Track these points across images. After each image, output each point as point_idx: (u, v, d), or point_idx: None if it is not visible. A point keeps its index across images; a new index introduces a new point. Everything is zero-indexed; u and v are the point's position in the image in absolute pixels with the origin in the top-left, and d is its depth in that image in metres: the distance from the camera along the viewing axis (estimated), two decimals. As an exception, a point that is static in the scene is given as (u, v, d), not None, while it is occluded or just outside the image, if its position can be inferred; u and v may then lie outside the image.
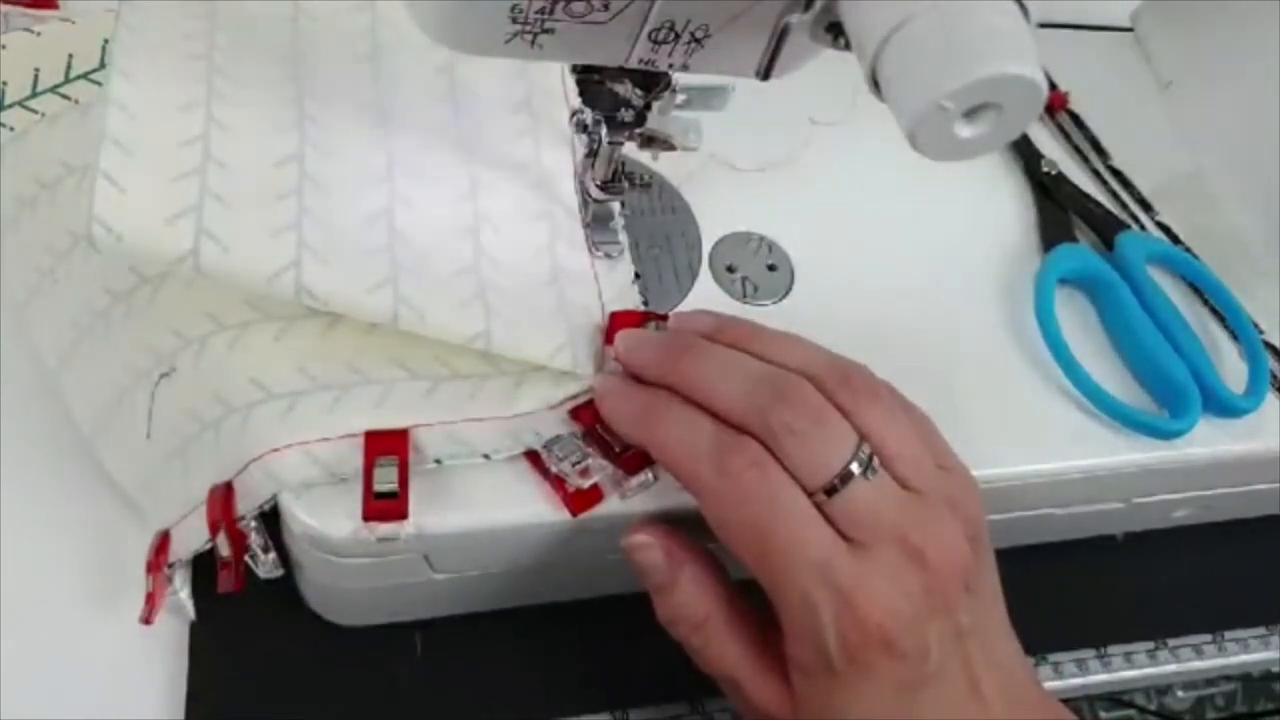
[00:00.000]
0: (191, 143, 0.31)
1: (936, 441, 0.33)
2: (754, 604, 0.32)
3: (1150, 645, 0.43)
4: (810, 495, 0.30)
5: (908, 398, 0.33)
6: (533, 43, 0.28)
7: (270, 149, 0.33)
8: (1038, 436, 0.39)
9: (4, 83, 0.38)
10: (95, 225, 0.28)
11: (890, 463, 0.30)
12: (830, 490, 0.29)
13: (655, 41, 0.28)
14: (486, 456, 0.33)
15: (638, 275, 0.38)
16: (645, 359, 0.33)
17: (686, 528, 0.33)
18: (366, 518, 0.31)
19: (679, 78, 0.34)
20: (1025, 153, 0.48)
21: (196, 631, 0.36)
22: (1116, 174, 0.49)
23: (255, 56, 0.35)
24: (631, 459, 0.33)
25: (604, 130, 0.34)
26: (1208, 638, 0.44)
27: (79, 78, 0.39)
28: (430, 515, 0.32)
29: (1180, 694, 0.48)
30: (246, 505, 0.32)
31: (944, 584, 0.30)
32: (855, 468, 0.29)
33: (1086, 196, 0.47)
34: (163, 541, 0.34)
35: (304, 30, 0.37)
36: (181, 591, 0.35)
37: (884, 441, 0.30)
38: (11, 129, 0.38)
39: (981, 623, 0.31)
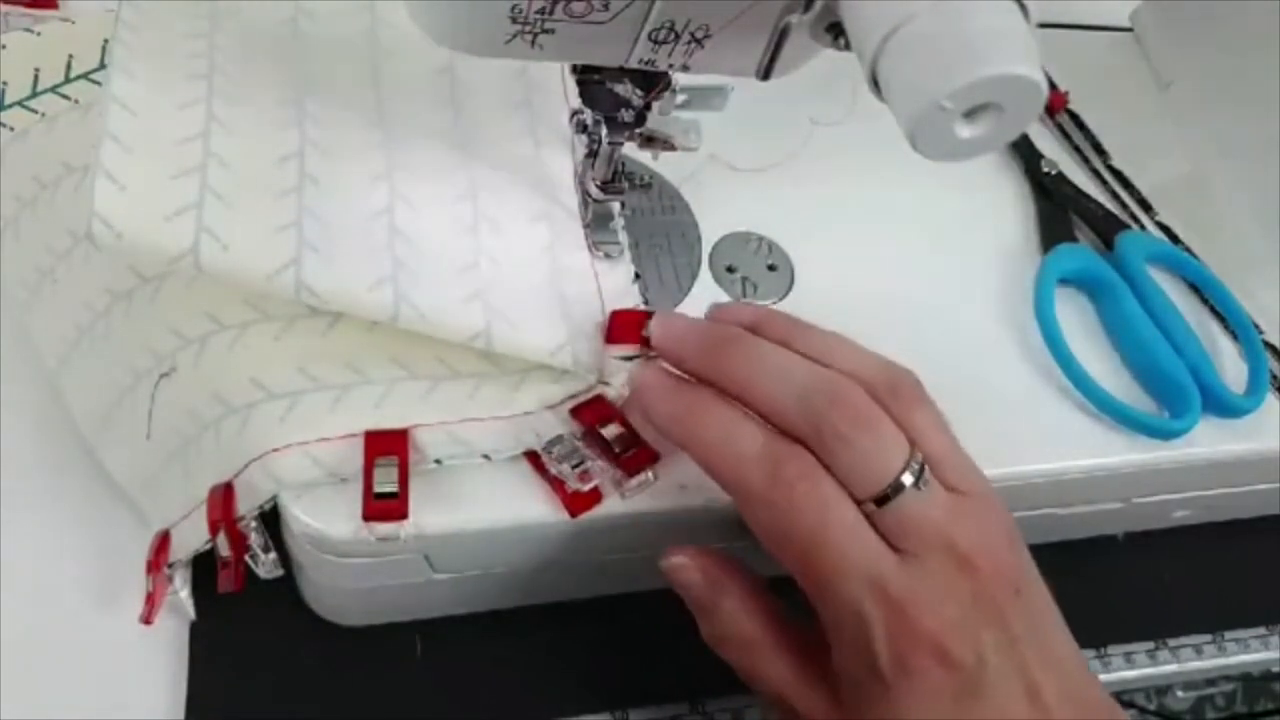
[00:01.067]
0: (192, 140, 0.31)
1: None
2: (792, 605, 0.32)
3: (1150, 645, 0.43)
4: (859, 504, 0.29)
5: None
6: (533, 43, 0.28)
7: (271, 147, 0.33)
8: (1038, 436, 0.39)
9: (4, 83, 0.38)
10: (95, 222, 0.28)
11: (936, 466, 0.30)
12: (880, 500, 0.29)
13: (655, 41, 0.28)
14: (487, 457, 0.33)
15: (638, 275, 0.38)
16: (685, 350, 0.32)
17: (707, 526, 0.33)
18: (366, 518, 0.31)
19: (679, 78, 0.34)
20: (1025, 153, 0.48)
21: (196, 631, 0.36)
22: (1116, 174, 0.49)
23: (256, 55, 0.35)
24: (631, 459, 0.33)
25: (604, 130, 0.34)
26: (1208, 638, 0.44)
27: (79, 78, 0.39)
28: (430, 515, 0.32)
29: (1180, 694, 0.48)
30: (246, 505, 0.32)
31: (994, 590, 0.29)
32: (907, 479, 0.29)
33: (1086, 196, 0.47)
34: (162, 541, 0.34)
35: (304, 30, 0.37)
36: (181, 591, 0.35)
37: (930, 445, 0.30)
38: (11, 129, 0.38)
39: (1035, 626, 0.30)
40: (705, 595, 0.32)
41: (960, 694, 0.29)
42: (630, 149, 0.36)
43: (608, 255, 0.37)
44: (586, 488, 0.32)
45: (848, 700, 0.30)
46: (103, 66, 0.39)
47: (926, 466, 0.30)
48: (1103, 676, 0.42)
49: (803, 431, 0.30)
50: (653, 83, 0.33)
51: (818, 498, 0.29)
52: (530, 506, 0.33)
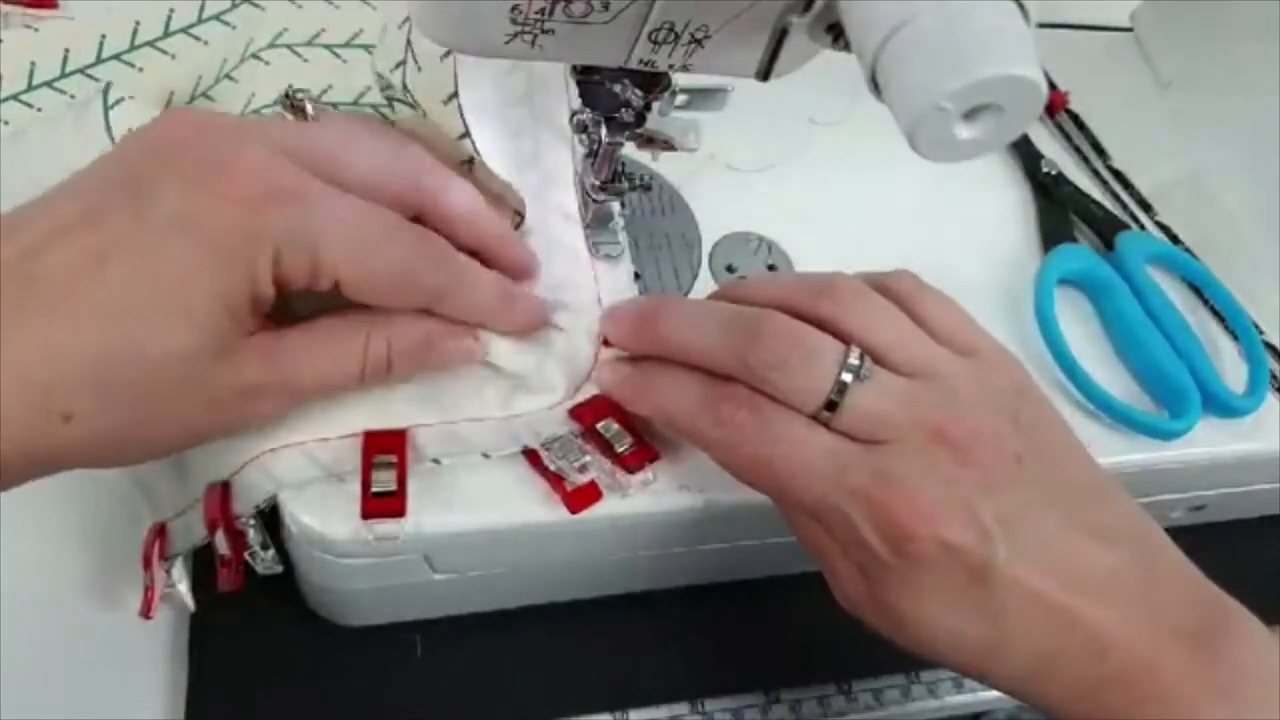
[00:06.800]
0: None
1: (954, 326, 0.32)
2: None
3: (1150, 645, 0.43)
4: (817, 420, 0.29)
5: (925, 285, 0.33)
6: (533, 43, 0.27)
7: None
8: (1037, 437, 0.39)
9: (-1, 76, 0.38)
10: None
11: (885, 355, 0.30)
12: (831, 406, 0.29)
13: (655, 42, 0.28)
14: (486, 455, 0.33)
15: (638, 275, 0.37)
16: (623, 332, 0.33)
17: (707, 526, 0.34)
18: (365, 515, 0.31)
19: (679, 78, 0.34)
20: (1025, 153, 0.48)
21: (197, 631, 0.36)
22: (1116, 174, 0.49)
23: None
24: (633, 457, 0.33)
25: (604, 130, 0.34)
26: (1207, 638, 0.44)
27: (75, 72, 0.39)
28: (429, 515, 0.32)
29: (1179, 694, 0.48)
30: (244, 504, 0.32)
31: (977, 459, 0.28)
32: (847, 376, 0.29)
33: (1086, 197, 0.47)
34: (158, 534, 0.34)
35: None
36: (180, 584, 0.35)
37: (873, 338, 0.30)
38: (6, 123, 0.38)
39: (1049, 494, 0.29)
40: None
41: (974, 574, 0.28)
42: (630, 149, 0.36)
43: (608, 255, 0.37)
44: (585, 480, 0.32)
45: (873, 583, 0.30)
46: (99, 61, 0.39)
47: (868, 358, 0.29)
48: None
49: (735, 370, 0.30)
50: (653, 83, 0.33)
51: (759, 423, 0.29)
52: (530, 506, 0.33)
